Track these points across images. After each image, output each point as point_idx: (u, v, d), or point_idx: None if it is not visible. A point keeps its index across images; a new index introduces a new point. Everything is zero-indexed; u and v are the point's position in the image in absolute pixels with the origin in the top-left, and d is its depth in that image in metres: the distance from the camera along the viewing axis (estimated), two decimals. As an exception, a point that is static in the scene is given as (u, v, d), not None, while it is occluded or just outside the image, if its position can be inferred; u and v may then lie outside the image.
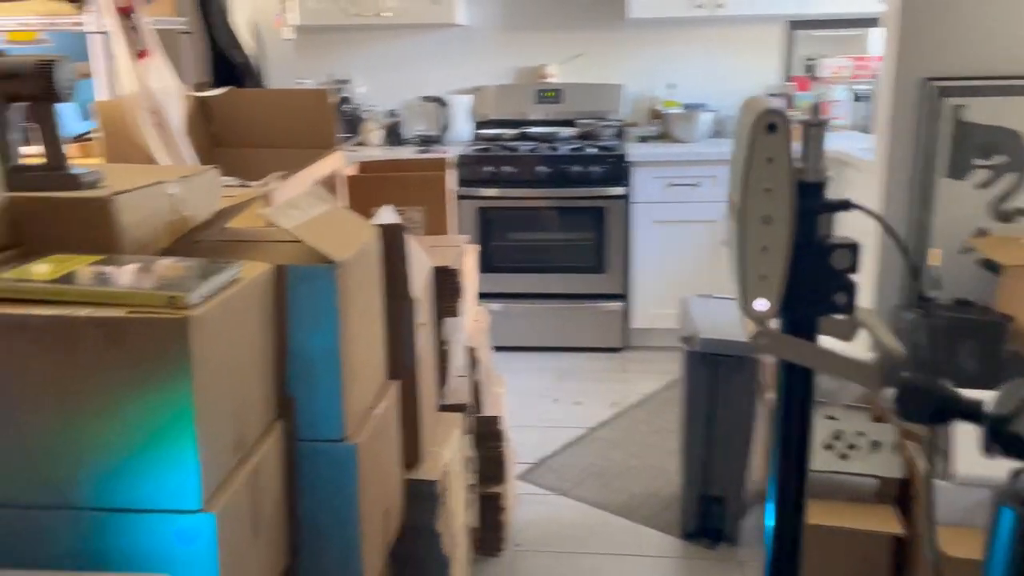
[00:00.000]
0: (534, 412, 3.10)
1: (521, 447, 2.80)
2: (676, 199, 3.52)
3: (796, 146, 0.93)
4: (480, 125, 4.05)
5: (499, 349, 3.60)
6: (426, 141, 3.99)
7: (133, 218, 1.13)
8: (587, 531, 2.35)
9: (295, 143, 2.35)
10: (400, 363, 1.45)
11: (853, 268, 1.00)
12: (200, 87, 2.27)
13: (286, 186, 1.82)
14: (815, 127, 0.92)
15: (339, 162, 2.27)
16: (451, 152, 3.61)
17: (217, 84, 2.36)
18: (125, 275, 0.93)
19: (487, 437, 2.21)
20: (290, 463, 1.18)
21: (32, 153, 1.26)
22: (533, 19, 4.04)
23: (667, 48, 4.00)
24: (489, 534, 2.26)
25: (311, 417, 1.17)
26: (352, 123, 3.98)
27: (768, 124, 0.83)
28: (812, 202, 0.93)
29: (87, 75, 2.11)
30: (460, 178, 3.51)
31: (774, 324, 1.00)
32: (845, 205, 1.00)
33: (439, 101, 4.04)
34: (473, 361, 2.12)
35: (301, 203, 1.26)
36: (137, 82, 1.80)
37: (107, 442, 0.87)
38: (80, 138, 2.10)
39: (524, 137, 3.89)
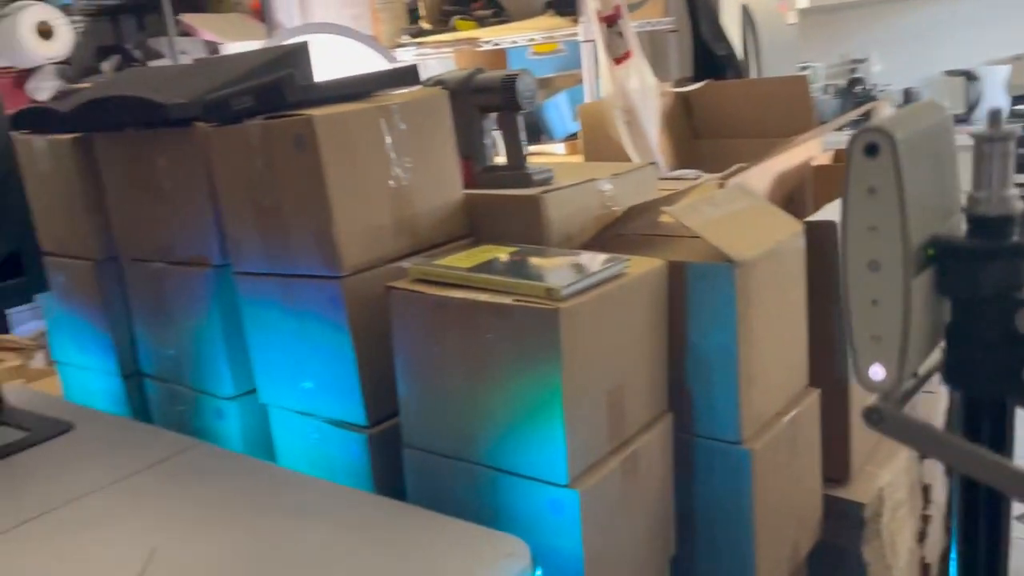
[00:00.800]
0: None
1: None
2: None
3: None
4: (1019, 100, 3.45)
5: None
6: (946, 122, 3.55)
7: (560, 213, 1.25)
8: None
9: (773, 132, 2.30)
10: (826, 371, 1.35)
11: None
12: (681, 82, 2.36)
13: (745, 177, 1.81)
14: (991, 142, 0.65)
15: (814, 150, 2.16)
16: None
17: (698, 78, 2.43)
18: (530, 265, 1.05)
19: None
20: (686, 456, 1.19)
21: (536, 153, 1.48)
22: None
23: None
24: None
25: (707, 414, 1.17)
26: (863, 104, 3.72)
27: (867, 145, 0.60)
28: (989, 243, 0.64)
29: (579, 81, 2.37)
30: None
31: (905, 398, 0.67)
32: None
33: (967, 75, 3.54)
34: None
35: (718, 199, 1.26)
36: (614, 84, 1.96)
37: (498, 410, 1.00)
38: (569, 138, 2.36)
39: (1078, 111, 3.21)
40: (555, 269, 1.02)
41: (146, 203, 1.36)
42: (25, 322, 3.21)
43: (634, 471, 1.07)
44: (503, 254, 1.11)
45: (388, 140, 1.17)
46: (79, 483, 1.11)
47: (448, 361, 1.03)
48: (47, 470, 1.17)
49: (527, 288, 0.96)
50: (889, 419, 0.65)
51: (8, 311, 3.30)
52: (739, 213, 1.24)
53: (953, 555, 0.76)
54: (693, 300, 1.14)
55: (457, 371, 1.02)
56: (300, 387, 1.23)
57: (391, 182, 1.18)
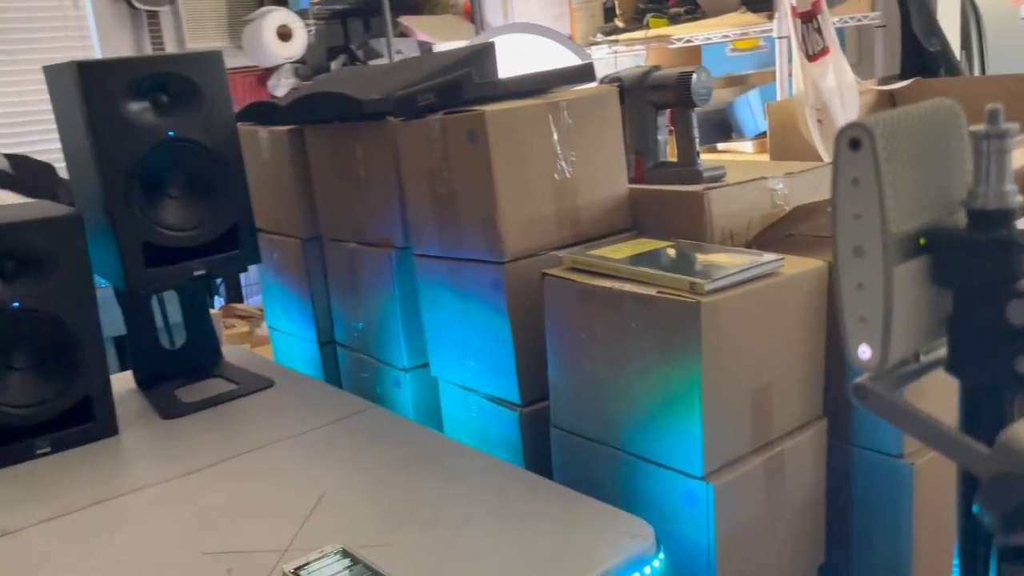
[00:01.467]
0: None
1: None
2: None
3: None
4: None
5: None
6: None
7: (724, 210, 1.26)
8: None
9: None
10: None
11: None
12: (886, 80, 2.23)
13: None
14: (987, 139, 0.66)
15: (1038, 153, 1.97)
16: None
17: (906, 75, 2.28)
18: (680, 260, 1.07)
19: None
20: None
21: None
22: None
23: None
24: None
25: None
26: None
27: (851, 140, 0.64)
28: (981, 235, 0.66)
29: (771, 79, 2.29)
30: None
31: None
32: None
33: None
34: None
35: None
36: (806, 81, 1.90)
37: (640, 397, 1.03)
38: (759, 136, 2.30)
39: None
40: (705, 264, 1.04)
41: (345, 189, 1.51)
42: (256, 293, 3.62)
43: (780, 473, 1.06)
44: (658, 247, 1.14)
45: (555, 135, 1.23)
46: (271, 432, 1.26)
47: (594, 347, 1.07)
48: (247, 418, 1.34)
49: (672, 281, 0.98)
50: (872, 396, 0.69)
51: (244, 283, 3.73)
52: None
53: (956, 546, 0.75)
54: (855, 304, 1.10)
55: (602, 357, 1.06)
56: (464, 364, 1.32)
57: (556, 175, 1.23)
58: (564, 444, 1.15)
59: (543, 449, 1.21)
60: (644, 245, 1.15)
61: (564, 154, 1.24)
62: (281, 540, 0.95)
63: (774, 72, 2.19)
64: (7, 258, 1.22)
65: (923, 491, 1.11)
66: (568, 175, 1.24)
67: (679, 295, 0.96)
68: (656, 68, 1.47)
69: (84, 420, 1.31)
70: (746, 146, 2.30)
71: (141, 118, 1.30)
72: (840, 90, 1.99)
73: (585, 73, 1.38)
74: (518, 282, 1.20)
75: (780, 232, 1.29)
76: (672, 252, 1.11)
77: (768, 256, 1.05)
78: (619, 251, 1.13)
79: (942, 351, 0.71)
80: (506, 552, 0.89)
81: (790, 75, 2.08)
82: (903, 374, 0.73)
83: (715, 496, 0.98)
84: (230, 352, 1.65)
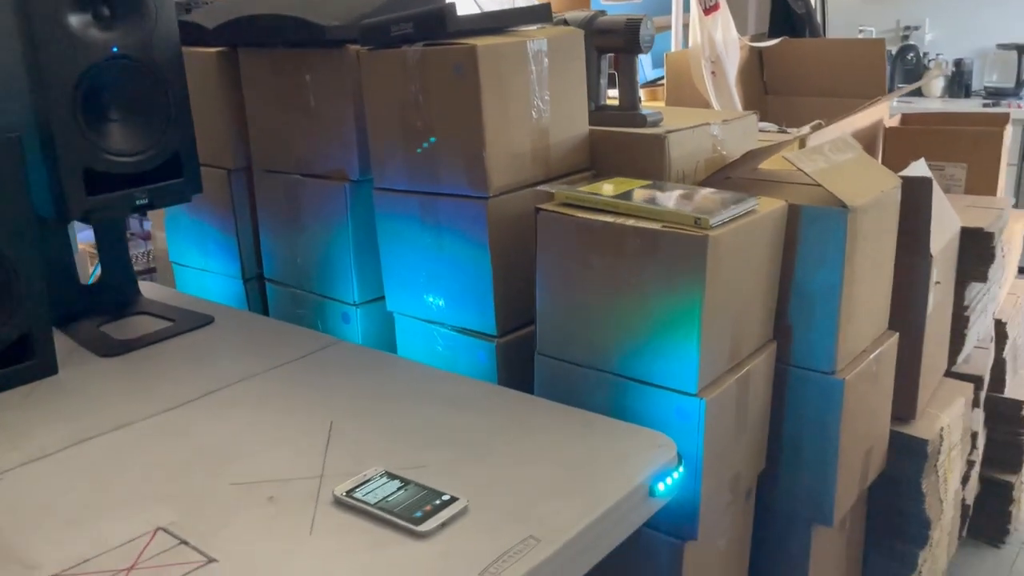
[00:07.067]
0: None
1: (1052, 444, 2.49)
2: None
3: None
4: (1072, 77, 3.51)
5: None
6: (995, 94, 3.60)
7: (679, 153, 1.35)
8: (1118, 554, 2.04)
9: (845, 92, 2.38)
10: (905, 317, 1.47)
11: None
12: (756, 38, 2.43)
13: (822, 134, 1.90)
14: None
15: (883, 113, 2.25)
16: (1025, 108, 3.21)
17: (773, 34, 2.49)
18: (666, 198, 1.15)
19: (1005, 420, 2.04)
20: (780, 383, 1.31)
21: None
22: None
23: None
24: (990, 522, 2.10)
25: (806, 347, 1.29)
26: (913, 72, 3.78)
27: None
28: None
29: (665, 28, 2.42)
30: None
31: None
32: None
33: (1019, 49, 3.59)
34: (1000, 336, 1.97)
35: (826, 150, 1.35)
36: (702, 34, 2.03)
37: (636, 326, 1.11)
38: (651, 83, 2.43)
39: None
40: (693, 201, 1.13)
41: (287, 118, 1.46)
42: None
43: (746, 390, 1.19)
44: (637, 186, 1.21)
45: (533, 73, 1.26)
46: (242, 367, 1.23)
47: (590, 280, 1.14)
48: (202, 355, 1.29)
49: (676, 216, 1.07)
50: None
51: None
52: (846, 164, 1.34)
53: None
54: (805, 241, 1.24)
55: (598, 289, 1.14)
56: (430, 298, 1.34)
57: (533, 113, 1.27)
58: (550, 371, 1.22)
59: (518, 378, 1.27)
60: (624, 184, 1.22)
61: (540, 93, 1.28)
62: (310, 468, 0.95)
63: (668, 21, 2.30)
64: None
65: (850, 402, 1.29)
66: (543, 114, 1.29)
67: (685, 230, 1.05)
68: (601, 13, 1.53)
69: (22, 359, 1.21)
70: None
71: (83, 32, 1.19)
72: (726, 45, 2.14)
73: (542, 13, 1.41)
74: (498, 216, 1.24)
75: (721, 175, 1.41)
76: (654, 191, 1.19)
77: (742, 196, 1.16)
78: (604, 188, 1.19)
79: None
80: (544, 466, 0.94)
81: (685, 25, 2.21)
82: None
83: (707, 409, 1.09)
84: (144, 288, 1.56)
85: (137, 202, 1.29)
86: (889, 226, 1.37)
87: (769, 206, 1.18)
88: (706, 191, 1.20)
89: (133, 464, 0.98)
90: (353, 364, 1.24)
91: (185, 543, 0.83)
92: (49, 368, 1.23)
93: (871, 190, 1.29)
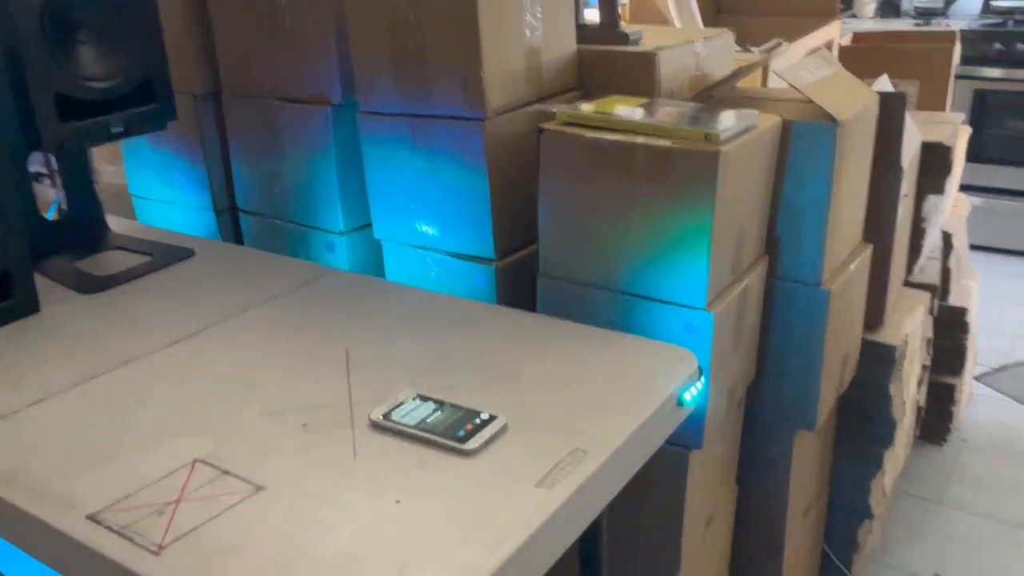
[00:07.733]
0: (1005, 318, 2.87)
1: (985, 350, 2.65)
2: None
3: None
4: (995, -5, 3.62)
5: (975, 248, 3.34)
6: (925, 13, 3.70)
7: (668, 70, 1.35)
8: (1047, 445, 2.21)
9: (794, 11, 2.40)
10: (877, 229, 1.52)
11: None
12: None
13: (785, 52, 1.92)
14: None
15: (835, 32, 2.29)
16: (953, 26, 3.31)
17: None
18: (667, 115, 1.16)
19: (950, 326, 2.16)
20: (767, 295, 1.35)
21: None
22: None
23: None
24: (935, 422, 2.25)
25: (793, 260, 1.32)
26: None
27: None
28: None
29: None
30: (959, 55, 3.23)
31: None
32: None
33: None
34: (947, 246, 2.07)
35: (808, 65, 1.37)
36: (663, -48, 2.01)
37: (644, 243, 1.13)
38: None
39: (1051, 12, 3.40)
40: (698, 118, 1.13)
41: (260, 41, 1.40)
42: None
43: (745, 303, 1.22)
44: (634, 104, 1.21)
45: (526, -10, 1.23)
46: (237, 299, 1.19)
47: (597, 199, 1.14)
48: (190, 289, 1.25)
49: (685, 132, 1.07)
50: None
51: None
52: (827, 79, 1.36)
53: None
54: (795, 155, 1.27)
55: (605, 208, 1.14)
56: (421, 223, 1.33)
57: (526, 31, 1.25)
58: (553, 292, 1.22)
59: (517, 300, 1.28)
60: (621, 101, 1.22)
61: (532, 10, 1.25)
62: (336, 395, 0.94)
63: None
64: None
65: (833, 312, 1.34)
66: (535, 32, 1.26)
67: (696, 146, 1.06)
68: (580, -72, 1.50)
69: (2, 298, 1.15)
70: (594, 13, 2.38)
71: (48, -57, 1.10)
72: (685, -36, 2.13)
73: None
74: (496, 137, 1.22)
75: (705, 94, 1.42)
76: (654, 108, 1.19)
77: (742, 112, 1.17)
78: (604, 106, 1.19)
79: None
80: (576, 383, 0.96)
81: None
82: None
83: (714, 323, 1.12)
84: (112, 223, 1.49)
85: (112, 130, 1.23)
86: (868, 140, 1.41)
87: (767, 121, 1.19)
88: (705, 107, 1.20)
89: (152, 399, 0.95)
90: (352, 292, 1.22)
91: (228, 473, 0.82)
92: (31, 307, 1.18)
93: (854, 104, 1.32)
